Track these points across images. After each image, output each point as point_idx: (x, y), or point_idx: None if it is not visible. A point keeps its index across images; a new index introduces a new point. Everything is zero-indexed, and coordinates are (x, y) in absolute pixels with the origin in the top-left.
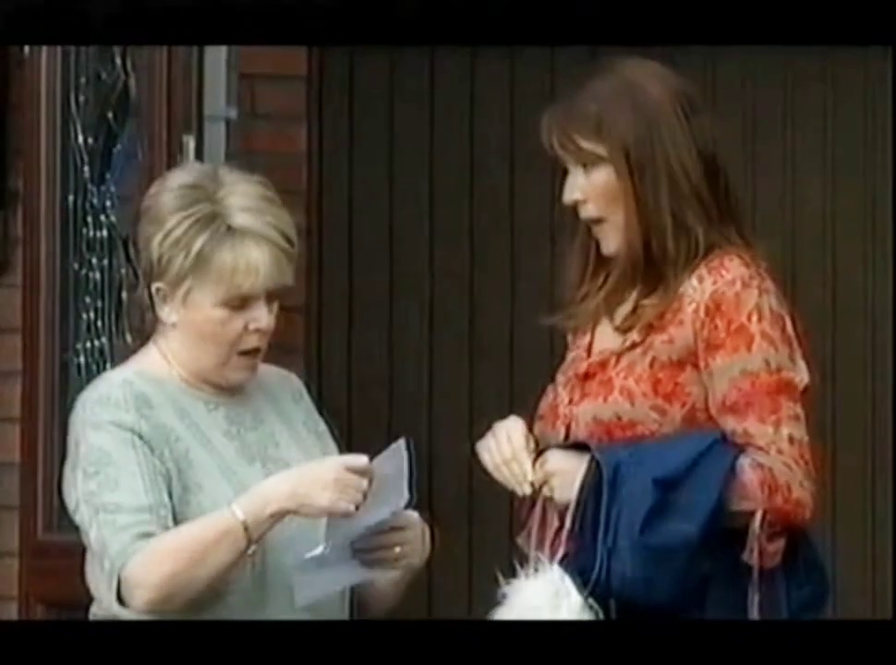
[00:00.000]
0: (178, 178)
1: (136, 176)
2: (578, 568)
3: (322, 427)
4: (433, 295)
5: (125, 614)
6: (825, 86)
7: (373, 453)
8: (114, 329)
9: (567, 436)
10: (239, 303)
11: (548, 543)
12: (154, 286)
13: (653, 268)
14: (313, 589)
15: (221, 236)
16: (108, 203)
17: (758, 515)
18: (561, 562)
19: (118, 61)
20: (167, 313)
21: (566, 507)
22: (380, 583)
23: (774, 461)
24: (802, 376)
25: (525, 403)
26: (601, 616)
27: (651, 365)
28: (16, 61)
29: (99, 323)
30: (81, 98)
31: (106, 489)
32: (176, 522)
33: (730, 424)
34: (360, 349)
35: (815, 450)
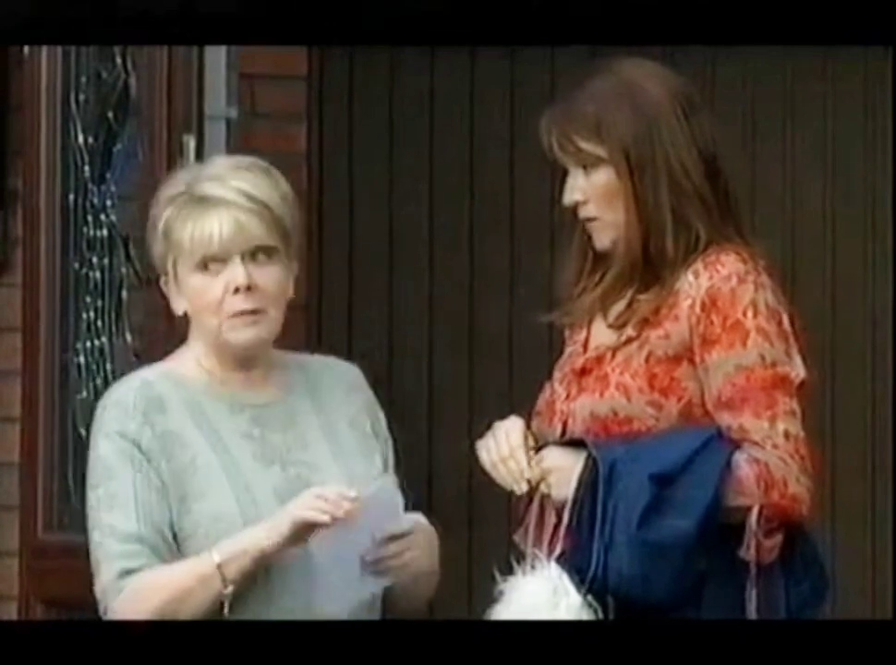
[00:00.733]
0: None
1: (136, 176)
2: (575, 565)
3: (373, 426)
4: (433, 295)
5: None
6: (825, 85)
7: None
8: (114, 328)
9: (564, 432)
10: (212, 267)
11: (545, 540)
12: (161, 282)
13: (651, 266)
14: (332, 602)
15: (182, 208)
16: (108, 202)
17: (755, 511)
18: (558, 559)
19: (118, 60)
20: (177, 304)
21: (563, 504)
22: (396, 589)
23: (770, 456)
24: (798, 371)
25: (525, 402)
26: (600, 614)
27: (647, 360)
28: (16, 61)
29: (99, 323)
30: (81, 97)
31: (104, 505)
32: (176, 532)
33: (725, 419)
34: (360, 349)
35: (812, 446)
